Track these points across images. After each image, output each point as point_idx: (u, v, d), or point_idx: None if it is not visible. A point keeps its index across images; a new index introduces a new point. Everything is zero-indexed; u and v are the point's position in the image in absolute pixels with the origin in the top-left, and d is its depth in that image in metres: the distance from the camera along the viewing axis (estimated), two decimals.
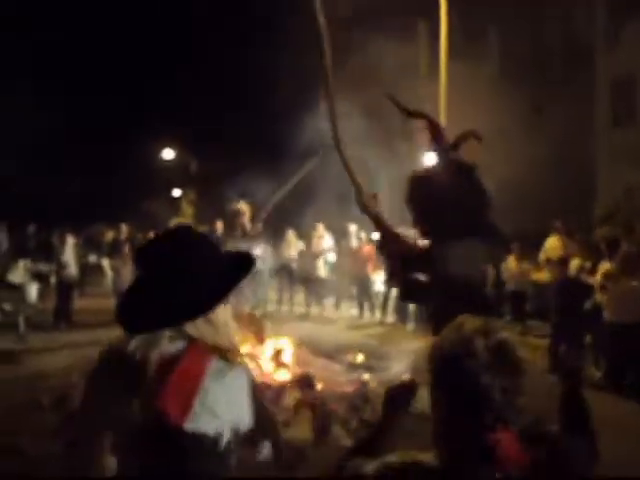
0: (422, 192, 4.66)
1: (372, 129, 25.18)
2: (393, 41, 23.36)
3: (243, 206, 11.75)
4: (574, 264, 9.28)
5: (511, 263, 11.49)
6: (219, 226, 14.10)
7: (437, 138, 4.94)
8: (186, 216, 36.08)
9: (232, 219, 11.70)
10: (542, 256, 11.07)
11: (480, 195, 4.65)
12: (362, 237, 13.64)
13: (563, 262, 9.37)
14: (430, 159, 19.02)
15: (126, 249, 12.91)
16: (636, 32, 18.65)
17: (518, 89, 20.31)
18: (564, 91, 20.13)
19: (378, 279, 13.47)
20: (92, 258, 17.60)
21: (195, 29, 27.01)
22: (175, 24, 27.73)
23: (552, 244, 11.06)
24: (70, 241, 12.64)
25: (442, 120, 15.89)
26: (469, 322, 1.64)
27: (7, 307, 11.48)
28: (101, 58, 30.38)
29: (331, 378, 7.30)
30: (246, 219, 11.67)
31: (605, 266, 8.10)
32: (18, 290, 11.73)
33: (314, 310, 13.83)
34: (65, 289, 12.27)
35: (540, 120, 19.72)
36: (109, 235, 18.48)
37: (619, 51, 19.73)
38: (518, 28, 21.25)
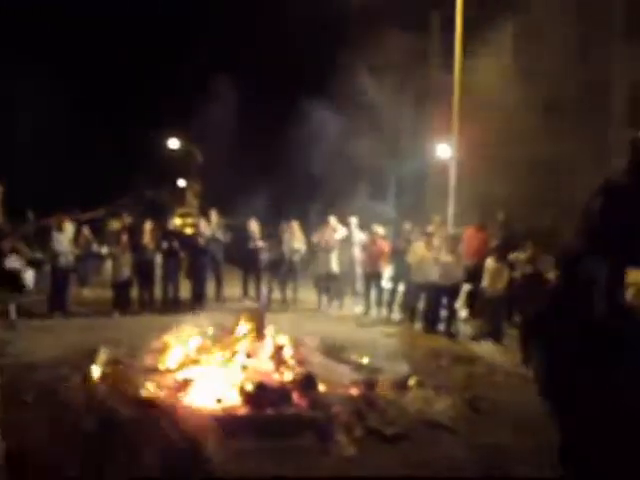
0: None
1: (382, 123, 24.87)
2: (406, 33, 23.02)
3: None
4: None
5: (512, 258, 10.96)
6: (213, 215, 13.78)
7: None
8: (191, 207, 35.75)
9: None
10: None
11: None
12: (376, 231, 13.15)
13: None
14: (443, 152, 18.67)
15: (125, 238, 12.47)
16: None
17: (532, 83, 19.88)
18: (579, 89, 19.67)
19: (386, 275, 13.01)
20: (94, 247, 17.20)
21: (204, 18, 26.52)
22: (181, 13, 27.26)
23: None
24: (68, 229, 12.23)
25: (455, 112, 15.45)
26: None
27: (0, 294, 11.08)
28: (108, 48, 29.98)
29: (335, 379, 6.86)
30: None
31: None
32: (13, 277, 11.33)
33: (310, 306, 13.45)
34: (60, 277, 11.86)
35: (555, 117, 19.24)
36: (112, 224, 18.05)
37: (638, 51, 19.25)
38: (533, 21, 20.78)
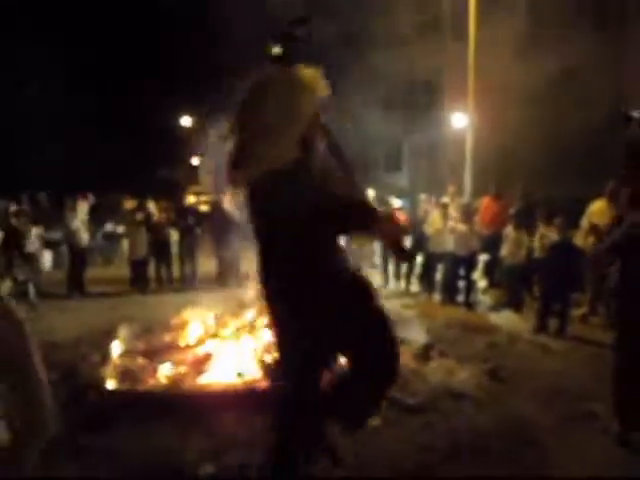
0: None
1: (395, 94, 24.56)
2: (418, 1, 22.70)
3: None
4: None
5: (541, 229, 10.74)
6: (228, 192, 13.64)
7: None
8: (204, 185, 35.70)
9: None
10: (585, 222, 10.16)
11: None
12: (392, 203, 13.08)
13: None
14: (458, 121, 18.44)
15: (140, 217, 12.47)
16: None
17: (547, 49, 19.53)
18: (594, 52, 19.28)
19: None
20: (109, 227, 17.29)
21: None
22: None
23: (599, 209, 10.11)
24: (82, 208, 12.25)
25: (471, 80, 15.24)
26: None
27: (20, 276, 11.16)
28: (117, 25, 29.80)
29: None
30: None
31: None
32: (31, 259, 11.41)
33: None
34: (77, 257, 11.89)
35: (570, 82, 18.91)
36: (128, 203, 18.09)
37: None
38: None
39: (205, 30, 27.25)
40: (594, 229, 9.52)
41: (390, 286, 12.79)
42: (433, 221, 11.66)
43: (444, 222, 11.39)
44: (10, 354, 1.98)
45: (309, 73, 2.95)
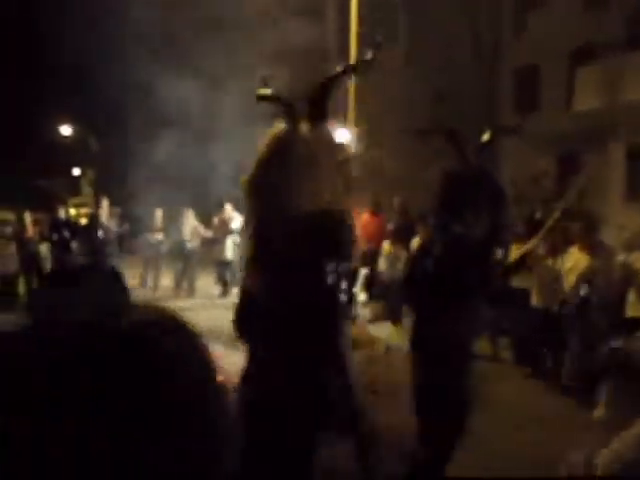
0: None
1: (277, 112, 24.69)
2: (301, 22, 22.99)
3: None
4: None
5: None
6: (105, 205, 13.20)
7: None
8: (86, 196, 34.41)
9: None
10: None
11: None
12: None
13: None
14: (337, 136, 18.83)
15: (8, 230, 11.83)
16: (539, 23, 18.93)
17: (424, 77, 20.37)
18: (469, 80, 20.26)
19: None
20: None
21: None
22: None
23: None
24: None
25: (351, 105, 15.57)
26: None
27: None
28: None
29: (231, 369, 6.73)
30: None
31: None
32: None
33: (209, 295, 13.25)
34: None
35: (444, 109, 19.74)
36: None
37: (523, 41, 20.00)
38: (427, 16, 21.21)
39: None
40: None
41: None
42: None
43: None
44: None
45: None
